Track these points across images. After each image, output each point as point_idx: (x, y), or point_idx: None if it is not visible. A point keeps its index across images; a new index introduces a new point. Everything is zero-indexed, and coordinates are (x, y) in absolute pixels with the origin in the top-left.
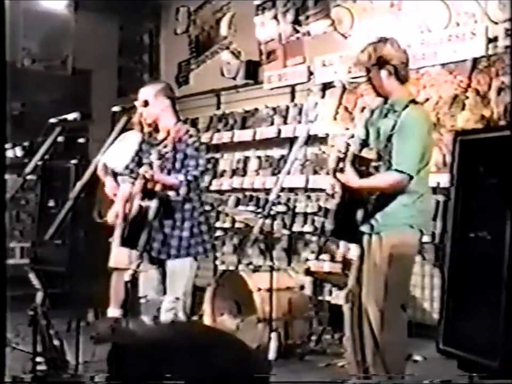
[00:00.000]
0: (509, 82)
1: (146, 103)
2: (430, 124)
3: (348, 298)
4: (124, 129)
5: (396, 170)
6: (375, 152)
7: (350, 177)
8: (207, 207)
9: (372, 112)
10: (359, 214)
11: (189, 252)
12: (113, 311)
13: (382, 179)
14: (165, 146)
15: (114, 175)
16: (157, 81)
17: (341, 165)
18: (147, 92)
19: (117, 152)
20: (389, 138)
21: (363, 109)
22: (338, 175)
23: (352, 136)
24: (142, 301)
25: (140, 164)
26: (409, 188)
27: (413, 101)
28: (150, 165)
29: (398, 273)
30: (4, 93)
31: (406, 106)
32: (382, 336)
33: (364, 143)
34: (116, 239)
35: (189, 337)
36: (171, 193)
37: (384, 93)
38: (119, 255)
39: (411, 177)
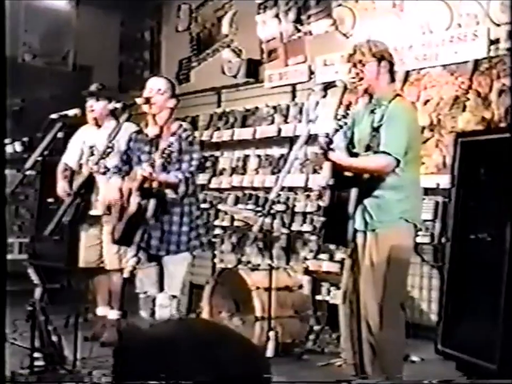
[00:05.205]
0: (510, 84)
1: (162, 93)
2: (416, 115)
3: (345, 298)
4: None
5: (384, 152)
6: None
7: (341, 156)
8: (206, 205)
9: (354, 117)
10: (351, 207)
11: (188, 246)
12: (102, 310)
13: (371, 160)
14: (169, 146)
15: (104, 173)
16: (168, 78)
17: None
18: (164, 84)
19: (74, 149)
20: (377, 129)
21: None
22: (329, 153)
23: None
24: (142, 296)
25: (128, 163)
26: (401, 182)
27: (398, 95)
28: (151, 164)
29: (396, 271)
30: (3, 88)
31: (392, 99)
32: (380, 335)
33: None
34: (106, 236)
35: (194, 333)
36: (169, 191)
37: (373, 89)
38: (109, 256)
39: (398, 162)
